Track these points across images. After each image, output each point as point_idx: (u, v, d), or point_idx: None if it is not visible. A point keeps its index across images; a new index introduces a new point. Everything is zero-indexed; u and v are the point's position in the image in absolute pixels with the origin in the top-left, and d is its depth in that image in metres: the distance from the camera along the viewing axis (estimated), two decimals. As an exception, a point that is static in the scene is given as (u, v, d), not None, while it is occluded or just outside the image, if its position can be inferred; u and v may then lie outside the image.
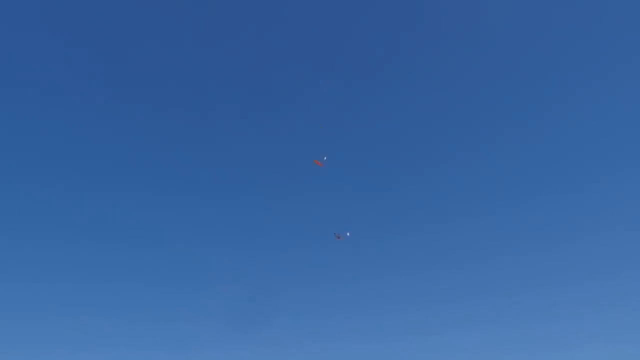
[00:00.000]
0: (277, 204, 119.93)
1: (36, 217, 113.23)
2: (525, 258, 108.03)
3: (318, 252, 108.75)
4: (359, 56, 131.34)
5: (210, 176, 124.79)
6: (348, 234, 70.56)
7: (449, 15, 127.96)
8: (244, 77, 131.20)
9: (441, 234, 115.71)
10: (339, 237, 70.98)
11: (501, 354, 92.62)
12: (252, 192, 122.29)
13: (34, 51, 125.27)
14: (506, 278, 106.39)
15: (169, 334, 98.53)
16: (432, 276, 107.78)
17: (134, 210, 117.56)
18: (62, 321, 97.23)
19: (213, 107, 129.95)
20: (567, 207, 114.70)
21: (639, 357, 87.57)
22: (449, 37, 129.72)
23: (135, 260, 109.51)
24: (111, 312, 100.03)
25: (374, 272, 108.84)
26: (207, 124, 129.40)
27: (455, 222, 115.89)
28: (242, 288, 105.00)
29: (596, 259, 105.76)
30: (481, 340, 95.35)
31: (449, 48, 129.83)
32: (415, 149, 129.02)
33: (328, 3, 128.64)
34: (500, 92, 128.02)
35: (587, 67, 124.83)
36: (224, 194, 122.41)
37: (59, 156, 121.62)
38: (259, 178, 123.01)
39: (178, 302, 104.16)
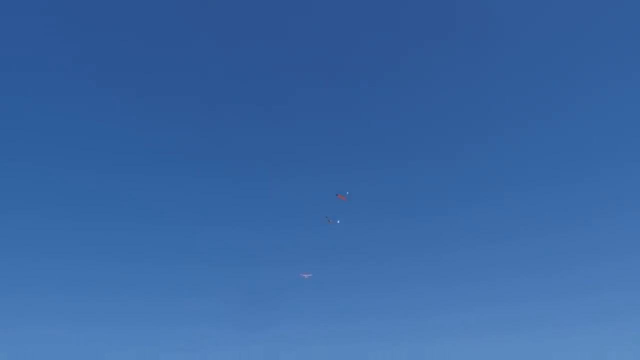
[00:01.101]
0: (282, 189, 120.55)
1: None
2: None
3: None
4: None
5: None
6: (338, 221, 71.19)
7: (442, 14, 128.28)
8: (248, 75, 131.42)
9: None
10: (330, 222, 71.37)
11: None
12: (255, 177, 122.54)
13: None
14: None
15: (175, 334, 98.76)
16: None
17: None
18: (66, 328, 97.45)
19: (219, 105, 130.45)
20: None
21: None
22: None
23: (136, 258, 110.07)
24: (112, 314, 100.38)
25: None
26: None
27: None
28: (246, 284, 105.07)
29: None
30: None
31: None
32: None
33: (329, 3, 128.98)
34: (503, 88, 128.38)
35: (584, 64, 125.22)
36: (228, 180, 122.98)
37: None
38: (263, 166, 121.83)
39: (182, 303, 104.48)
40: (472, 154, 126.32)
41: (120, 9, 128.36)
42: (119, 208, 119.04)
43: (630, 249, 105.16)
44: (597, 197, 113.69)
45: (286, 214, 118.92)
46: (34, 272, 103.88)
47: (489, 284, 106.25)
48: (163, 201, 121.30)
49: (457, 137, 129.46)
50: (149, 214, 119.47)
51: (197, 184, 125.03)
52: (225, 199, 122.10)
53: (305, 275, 74.85)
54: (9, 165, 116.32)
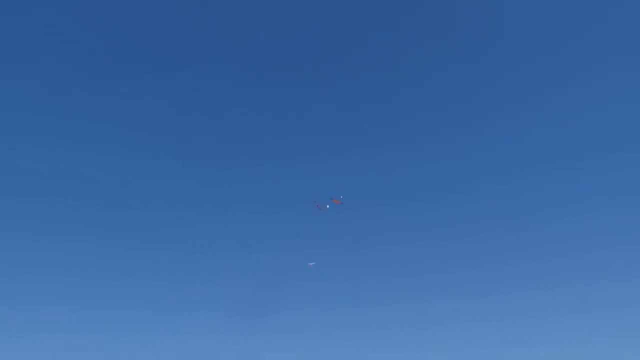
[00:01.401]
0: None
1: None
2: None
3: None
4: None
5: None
6: (328, 206, 72.11)
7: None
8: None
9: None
10: (319, 207, 72.14)
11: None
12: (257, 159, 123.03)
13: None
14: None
15: (175, 321, 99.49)
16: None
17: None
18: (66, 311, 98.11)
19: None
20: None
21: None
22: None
23: (138, 255, 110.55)
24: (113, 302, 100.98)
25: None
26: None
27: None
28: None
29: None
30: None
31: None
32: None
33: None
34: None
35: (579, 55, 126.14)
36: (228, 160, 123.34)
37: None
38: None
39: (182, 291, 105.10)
40: (475, 141, 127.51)
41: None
42: (116, 193, 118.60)
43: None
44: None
45: (289, 200, 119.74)
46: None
47: (494, 271, 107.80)
48: (159, 186, 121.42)
49: (455, 126, 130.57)
50: (147, 202, 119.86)
51: (198, 169, 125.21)
52: (230, 186, 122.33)
53: (310, 264, 75.93)
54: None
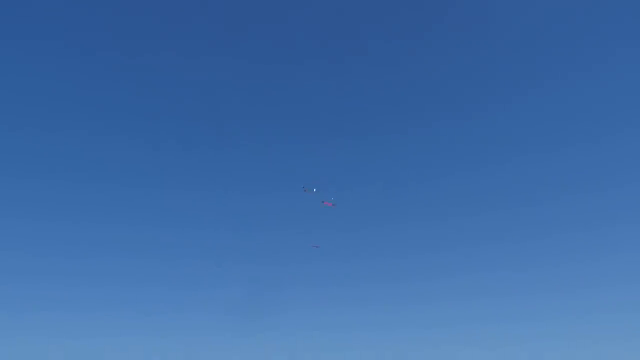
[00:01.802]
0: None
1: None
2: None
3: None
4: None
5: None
6: (315, 189, 71.93)
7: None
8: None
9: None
10: (306, 190, 71.87)
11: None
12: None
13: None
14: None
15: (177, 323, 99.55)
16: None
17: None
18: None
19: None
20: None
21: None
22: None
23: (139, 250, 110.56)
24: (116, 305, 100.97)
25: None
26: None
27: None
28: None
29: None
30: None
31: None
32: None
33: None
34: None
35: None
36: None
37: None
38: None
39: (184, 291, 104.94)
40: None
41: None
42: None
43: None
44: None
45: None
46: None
47: (498, 247, 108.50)
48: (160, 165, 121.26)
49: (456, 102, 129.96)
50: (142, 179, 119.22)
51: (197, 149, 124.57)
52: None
53: (328, 203, 73.52)
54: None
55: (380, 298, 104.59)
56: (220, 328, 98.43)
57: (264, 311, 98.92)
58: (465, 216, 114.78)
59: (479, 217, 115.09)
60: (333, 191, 73.61)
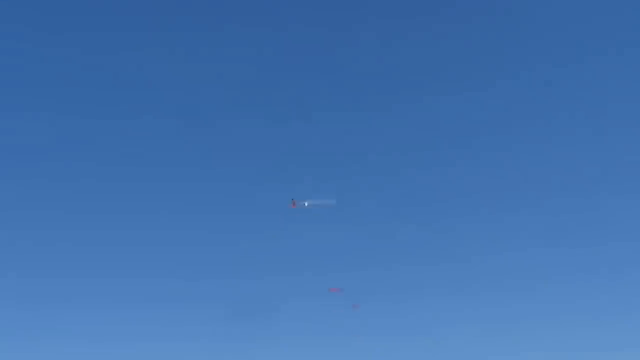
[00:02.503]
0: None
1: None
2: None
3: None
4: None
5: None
6: (306, 204, 71.18)
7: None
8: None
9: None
10: (294, 204, 71.36)
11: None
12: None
13: None
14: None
15: (173, 321, 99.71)
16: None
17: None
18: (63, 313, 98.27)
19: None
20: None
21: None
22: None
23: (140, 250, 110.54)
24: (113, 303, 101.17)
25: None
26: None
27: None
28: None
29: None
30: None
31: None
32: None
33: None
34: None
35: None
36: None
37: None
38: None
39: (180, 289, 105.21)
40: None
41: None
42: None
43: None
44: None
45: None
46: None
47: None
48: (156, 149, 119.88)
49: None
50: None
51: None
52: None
53: (335, 289, 73.91)
54: None
55: (380, 299, 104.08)
56: (216, 332, 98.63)
57: (257, 314, 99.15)
58: (465, 216, 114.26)
59: (479, 216, 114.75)
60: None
